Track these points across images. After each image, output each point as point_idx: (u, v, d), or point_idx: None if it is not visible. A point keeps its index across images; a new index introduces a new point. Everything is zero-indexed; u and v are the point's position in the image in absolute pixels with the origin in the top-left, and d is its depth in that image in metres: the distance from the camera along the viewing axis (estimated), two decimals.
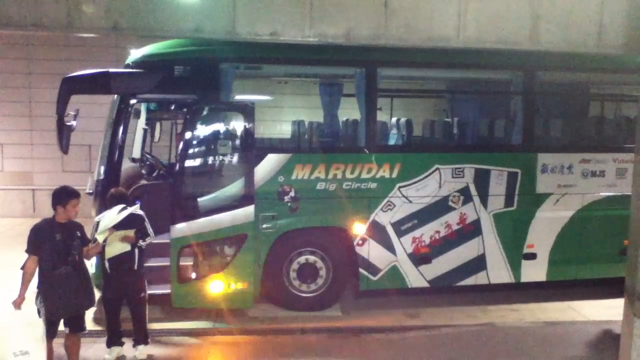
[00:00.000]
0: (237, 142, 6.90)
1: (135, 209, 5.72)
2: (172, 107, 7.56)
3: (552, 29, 6.80)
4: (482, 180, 7.37)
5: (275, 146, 8.03)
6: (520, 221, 7.58)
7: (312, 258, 7.21)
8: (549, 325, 7.02)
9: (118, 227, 5.55)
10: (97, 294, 5.62)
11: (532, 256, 7.63)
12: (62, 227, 5.07)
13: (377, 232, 7.18)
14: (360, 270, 7.21)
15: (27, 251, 5.00)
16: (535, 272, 7.69)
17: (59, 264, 4.98)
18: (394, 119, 8.37)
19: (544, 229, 7.62)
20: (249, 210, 6.64)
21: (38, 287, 5.03)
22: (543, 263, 7.67)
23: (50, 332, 5.04)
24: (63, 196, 5.07)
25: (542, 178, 7.53)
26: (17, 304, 4.91)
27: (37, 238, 4.99)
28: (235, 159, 6.86)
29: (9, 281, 7.81)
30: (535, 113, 7.67)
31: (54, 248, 4.98)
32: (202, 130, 6.90)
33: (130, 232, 5.55)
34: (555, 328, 6.95)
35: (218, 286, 6.71)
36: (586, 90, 8.75)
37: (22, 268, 5.04)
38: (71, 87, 6.26)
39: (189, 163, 6.80)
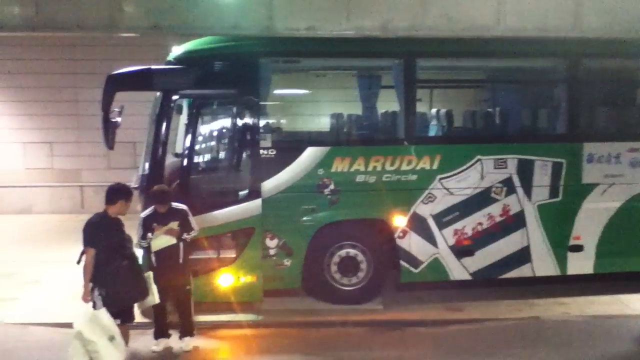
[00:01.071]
0: (249, 136, 6.91)
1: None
2: (212, 103, 7.67)
3: (596, 15, 6.58)
4: (525, 171, 7.21)
5: (314, 139, 8.06)
6: (566, 212, 7.39)
7: (352, 251, 7.21)
8: (597, 319, 6.84)
9: (163, 221, 5.70)
10: None
11: (578, 248, 7.43)
12: (113, 222, 5.28)
13: (418, 225, 7.13)
14: (401, 262, 7.18)
15: (85, 245, 5.16)
16: (582, 264, 7.48)
17: (115, 257, 5.17)
18: (433, 110, 8.29)
19: (591, 220, 7.40)
20: (255, 204, 6.72)
21: (92, 281, 5.21)
22: (590, 255, 7.46)
23: None
24: (126, 193, 5.33)
25: (589, 168, 7.31)
26: (86, 298, 5.14)
27: (95, 232, 5.18)
28: (245, 154, 6.92)
29: (64, 274, 8.21)
30: (580, 101, 7.45)
31: (111, 242, 5.19)
32: (208, 125, 7.08)
33: (174, 225, 5.67)
34: (603, 322, 6.78)
35: (227, 279, 6.79)
36: (634, 77, 8.44)
37: (78, 263, 5.23)
38: (115, 84, 6.43)
39: (194, 157, 7.03)
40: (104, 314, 5.08)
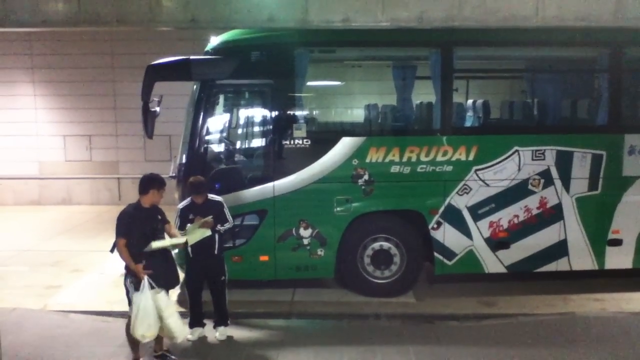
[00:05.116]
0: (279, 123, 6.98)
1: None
2: (249, 93, 7.77)
3: (638, 3, 6.39)
4: (564, 162, 7.10)
5: (349, 129, 8.07)
6: (605, 206, 7.25)
7: (386, 245, 7.21)
8: (635, 316, 6.68)
9: (199, 212, 5.79)
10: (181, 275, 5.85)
11: (617, 242, 7.29)
12: (147, 212, 5.36)
13: (453, 216, 7.09)
14: (435, 254, 7.16)
15: (118, 234, 5.23)
16: (620, 259, 7.35)
17: (147, 246, 5.25)
18: (470, 101, 8.20)
19: (631, 214, 7.25)
20: (268, 187, 6.86)
21: (126, 269, 5.32)
22: (629, 250, 7.32)
23: None
24: (159, 182, 5.40)
25: (630, 160, 7.15)
26: (140, 275, 5.16)
27: (128, 221, 5.26)
28: (281, 143, 6.93)
29: (103, 263, 8.43)
30: (621, 92, 7.27)
31: (143, 231, 5.26)
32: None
33: (208, 218, 5.74)
34: None
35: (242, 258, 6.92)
36: None
37: (112, 252, 5.35)
38: (155, 74, 6.57)
39: (230, 145, 7.38)
40: (163, 296, 5.19)
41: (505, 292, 7.37)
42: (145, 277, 5.11)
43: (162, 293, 5.18)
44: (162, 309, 5.12)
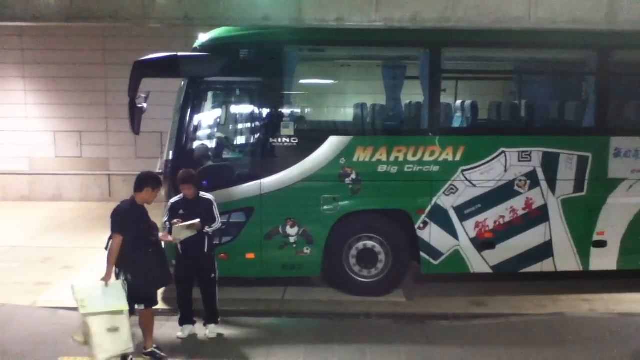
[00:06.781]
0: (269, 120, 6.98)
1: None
2: (237, 90, 7.77)
3: (631, 6, 6.45)
4: (550, 164, 7.15)
5: (336, 129, 8.09)
6: (590, 207, 7.32)
7: (372, 244, 7.24)
8: (623, 317, 6.76)
9: (190, 208, 5.78)
10: None
11: (602, 244, 7.36)
12: (141, 209, 5.38)
13: (439, 216, 7.13)
14: (422, 254, 7.19)
15: (114, 231, 5.23)
16: (605, 260, 7.42)
17: (142, 244, 5.27)
18: (458, 102, 8.26)
19: (616, 216, 7.32)
20: (255, 185, 6.87)
21: (118, 267, 5.30)
22: (614, 251, 7.39)
23: (132, 310, 5.30)
24: (154, 181, 5.41)
25: (615, 162, 7.23)
26: (107, 280, 5.15)
27: (125, 219, 5.26)
28: (268, 141, 6.95)
29: (94, 260, 8.41)
30: (608, 95, 7.35)
31: (138, 228, 5.27)
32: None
33: (195, 221, 5.65)
34: (629, 320, 6.68)
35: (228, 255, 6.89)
36: None
37: (106, 249, 5.32)
38: (142, 70, 6.52)
39: (218, 142, 7.42)
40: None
41: (496, 292, 7.42)
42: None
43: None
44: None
